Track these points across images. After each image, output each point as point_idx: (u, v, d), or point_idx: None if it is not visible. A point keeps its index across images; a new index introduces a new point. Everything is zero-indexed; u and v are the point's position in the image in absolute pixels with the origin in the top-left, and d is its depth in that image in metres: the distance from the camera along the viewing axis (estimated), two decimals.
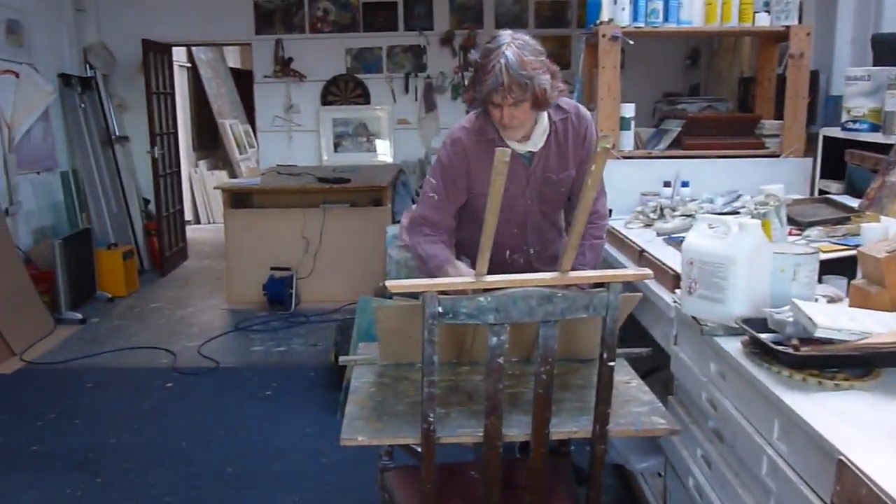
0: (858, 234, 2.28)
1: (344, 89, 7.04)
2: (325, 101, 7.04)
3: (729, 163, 3.34)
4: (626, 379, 2.00)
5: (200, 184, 9.32)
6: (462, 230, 2.40)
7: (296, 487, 2.96)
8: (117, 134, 6.73)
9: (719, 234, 1.85)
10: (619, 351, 2.16)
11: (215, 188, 6.37)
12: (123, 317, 5.37)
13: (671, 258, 2.33)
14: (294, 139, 7.11)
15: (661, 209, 2.92)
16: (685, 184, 3.24)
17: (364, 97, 7.05)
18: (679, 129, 3.34)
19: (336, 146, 7.10)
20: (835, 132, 3.12)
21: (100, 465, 3.16)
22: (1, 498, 2.91)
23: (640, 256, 2.54)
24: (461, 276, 2.06)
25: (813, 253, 1.85)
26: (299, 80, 6.96)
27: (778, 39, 3.47)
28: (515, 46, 2.00)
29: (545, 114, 2.18)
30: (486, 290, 1.55)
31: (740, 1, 3.20)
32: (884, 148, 2.78)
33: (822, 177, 3.21)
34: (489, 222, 1.47)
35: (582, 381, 1.99)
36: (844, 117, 2.97)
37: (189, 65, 9.32)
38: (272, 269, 5.46)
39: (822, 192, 3.18)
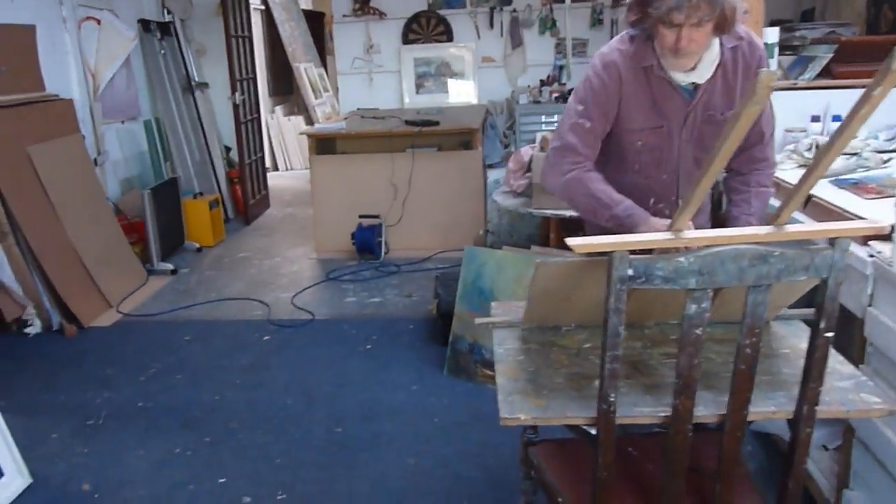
0: None
1: (425, 27, 6.71)
2: (406, 39, 6.75)
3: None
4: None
5: (277, 130, 9.19)
6: (606, 174, 2.12)
7: (411, 450, 2.80)
8: (197, 80, 6.60)
9: None
10: (791, 312, 1.90)
11: (301, 133, 6.21)
12: (213, 267, 5.30)
13: (851, 203, 2.01)
14: (374, 81, 6.86)
15: (818, 147, 2.57)
16: (836, 118, 2.87)
17: (447, 34, 6.72)
18: (829, 55, 2.94)
19: (418, 87, 6.82)
20: None
21: (206, 424, 3.06)
22: (114, 457, 2.84)
23: (808, 203, 2.22)
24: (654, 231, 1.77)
25: None
26: (379, 18, 6.67)
27: None
28: None
29: (716, 40, 1.86)
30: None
31: None
32: None
33: None
34: (715, 165, 1.18)
35: (764, 348, 1.72)
36: None
37: (263, 7, 9.10)
38: (360, 216, 5.28)
39: None
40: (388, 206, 5.36)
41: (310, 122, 8.98)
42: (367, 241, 5.22)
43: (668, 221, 1.79)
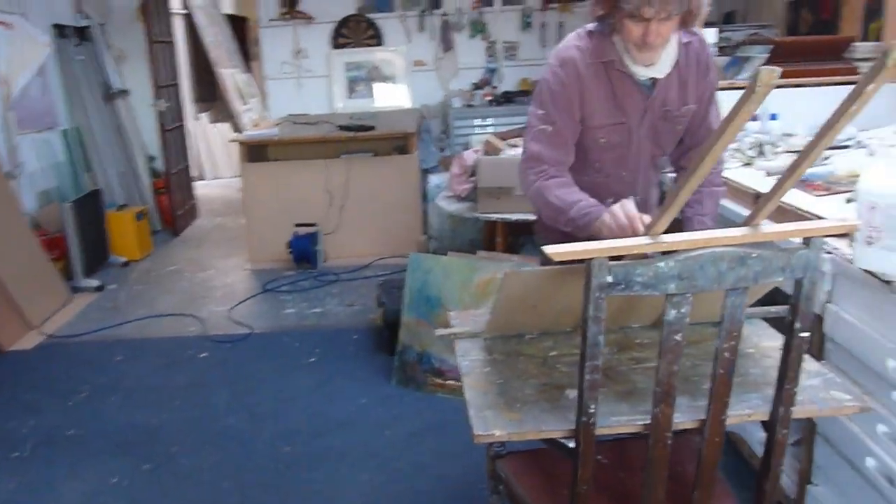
0: None
1: (355, 31, 6.62)
2: (336, 44, 6.63)
3: (818, 92, 3.02)
4: (778, 345, 1.72)
5: (203, 137, 8.91)
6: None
7: (364, 466, 2.71)
8: (118, 87, 6.32)
9: None
10: (752, 310, 1.90)
11: (231, 141, 6.00)
12: (142, 282, 5.07)
13: (803, 201, 2.03)
14: (304, 86, 6.71)
15: (761, 146, 2.61)
16: (773, 116, 2.92)
17: (377, 38, 6.63)
18: (764, 55, 3.00)
19: (350, 92, 6.71)
20: None
21: (144, 449, 2.90)
22: (45, 490, 2.65)
23: (757, 201, 2.24)
24: (626, 230, 1.72)
25: None
26: (307, 23, 6.53)
27: None
28: None
29: (675, 35, 1.85)
30: (665, 253, 1.26)
31: None
32: None
33: None
34: (705, 166, 1.15)
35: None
36: None
37: (184, 11, 8.80)
38: (296, 225, 5.14)
39: None
40: (324, 214, 5.24)
41: (237, 128, 8.73)
42: (304, 249, 5.09)
43: (627, 215, 1.75)
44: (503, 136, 3.34)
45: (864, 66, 3.05)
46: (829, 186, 2.10)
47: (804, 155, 1.10)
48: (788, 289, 1.97)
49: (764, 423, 1.48)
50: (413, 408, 3.11)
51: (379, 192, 5.26)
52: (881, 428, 1.60)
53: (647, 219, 1.75)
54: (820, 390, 1.51)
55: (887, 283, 1.53)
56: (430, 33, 6.62)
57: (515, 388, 1.57)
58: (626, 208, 1.70)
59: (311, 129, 5.48)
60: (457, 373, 3.17)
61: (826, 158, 2.45)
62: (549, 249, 1.23)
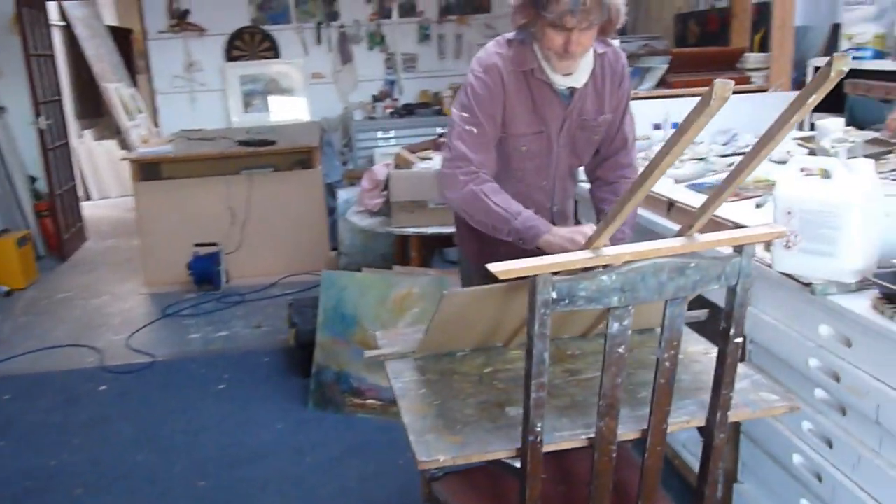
0: None
1: (250, 43, 6.43)
2: (230, 56, 6.42)
3: None
4: (703, 349, 1.76)
5: (88, 155, 8.45)
6: None
7: (286, 496, 2.60)
8: None
9: (817, 178, 1.62)
10: None
11: (122, 159, 5.69)
12: (29, 312, 4.72)
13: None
14: (198, 101, 6.46)
15: None
16: (675, 125, 3.01)
17: (273, 51, 6.47)
18: (664, 66, 3.10)
19: (246, 106, 6.52)
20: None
21: (44, 495, 2.68)
22: None
23: (671, 208, 2.30)
24: (566, 246, 1.72)
25: None
26: (199, 35, 6.30)
27: None
28: None
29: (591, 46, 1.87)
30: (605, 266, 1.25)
31: None
32: (889, 75, 2.65)
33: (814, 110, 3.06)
34: (653, 179, 1.14)
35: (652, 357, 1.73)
36: (846, 45, 2.81)
37: (63, 23, 8.33)
38: (196, 245, 4.93)
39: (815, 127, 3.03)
40: (225, 232, 5.05)
41: (125, 146, 8.33)
42: (205, 270, 4.88)
43: (569, 229, 1.76)
44: (413, 149, 3.31)
45: (756, 76, 3.21)
46: (737, 192, 2.17)
47: (743, 165, 1.12)
48: (714, 296, 2.04)
49: (700, 428, 1.50)
50: (333, 431, 3.02)
51: (282, 208, 5.12)
52: (806, 425, 1.66)
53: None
54: (749, 392, 1.55)
55: (806, 285, 1.58)
56: (327, 45, 6.52)
57: (454, 409, 1.53)
58: (584, 234, 1.71)
59: (208, 145, 5.27)
60: (377, 392, 3.13)
61: (730, 165, 2.54)
62: (494, 268, 1.20)
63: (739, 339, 1.38)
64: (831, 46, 3.62)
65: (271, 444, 2.95)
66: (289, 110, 6.53)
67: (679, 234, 1.34)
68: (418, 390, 1.63)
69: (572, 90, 1.92)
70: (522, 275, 1.20)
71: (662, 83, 3.13)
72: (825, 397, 1.61)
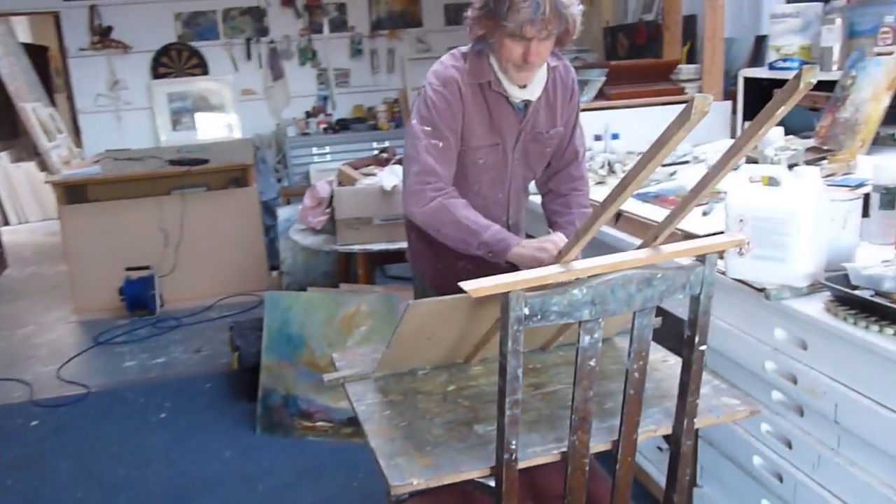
0: (849, 174, 2.21)
1: (177, 60, 6.27)
2: (157, 74, 6.25)
3: (651, 111, 3.23)
4: (661, 357, 1.79)
5: (5, 178, 8.07)
6: None
7: None
8: None
9: (765, 186, 1.67)
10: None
11: (46, 182, 5.45)
12: None
13: (662, 216, 2.13)
14: (124, 120, 6.26)
15: (610, 164, 2.73)
16: (615, 136, 3.08)
17: (201, 67, 6.33)
18: (601, 79, 3.16)
19: (174, 124, 6.35)
20: (757, 73, 3.07)
21: None
22: None
23: (619, 218, 2.33)
24: (538, 256, 1.72)
25: (858, 198, 1.72)
26: (123, 52, 6.11)
27: None
28: None
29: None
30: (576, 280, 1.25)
31: None
32: (816, 85, 2.75)
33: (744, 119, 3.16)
34: (627, 192, 1.15)
35: (617, 365, 1.75)
36: (773, 56, 2.92)
37: None
38: (127, 269, 4.75)
39: None
40: (158, 255, 4.89)
41: (44, 167, 7.98)
42: (138, 295, 4.71)
43: (539, 240, 1.76)
44: (355, 165, 3.27)
45: (689, 87, 3.30)
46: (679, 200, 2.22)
47: (710, 177, 1.14)
48: (667, 304, 2.08)
49: (666, 436, 1.52)
50: (284, 456, 2.94)
51: (217, 229, 4.99)
52: (765, 427, 1.69)
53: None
54: (711, 398, 1.57)
55: (760, 290, 1.62)
56: (258, 61, 6.41)
57: (422, 430, 1.51)
58: (556, 244, 1.70)
59: (137, 166, 5.11)
60: (327, 414, 3.07)
61: (673, 174, 2.60)
62: (467, 286, 1.18)
63: (704, 347, 1.40)
64: (756, 57, 3.77)
65: (220, 472, 2.85)
66: (219, 128, 6.39)
67: (643, 245, 1.35)
68: (382, 412, 1.60)
69: (527, 103, 1.93)
70: (495, 292, 1.19)
71: (601, 95, 3.19)
72: (782, 399, 1.65)
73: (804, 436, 1.58)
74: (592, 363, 1.30)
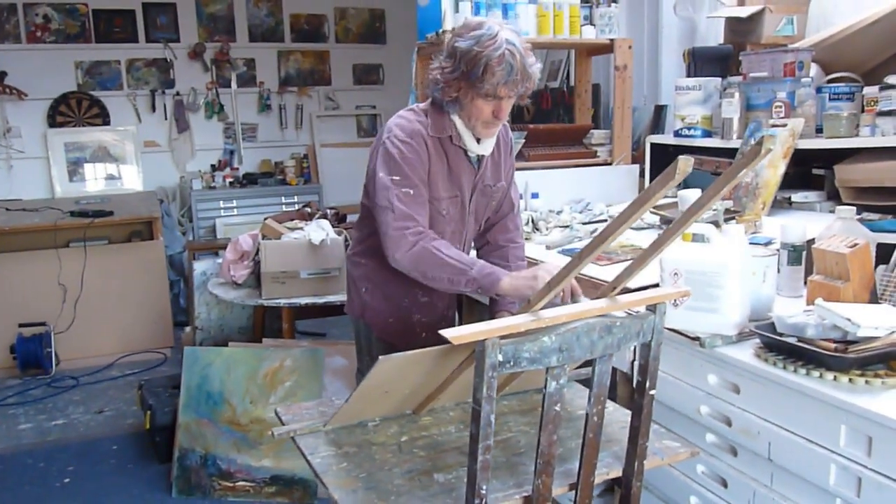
0: (756, 233, 2.41)
1: (77, 109, 6.07)
2: (55, 122, 6.01)
3: (565, 173, 3.40)
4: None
5: None
6: None
7: None
8: None
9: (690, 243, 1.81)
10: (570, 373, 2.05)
11: None
12: None
13: (595, 271, 2.26)
14: (15, 169, 5.96)
15: (534, 222, 2.86)
16: (535, 195, 3.22)
17: (103, 117, 6.14)
18: (521, 140, 3.32)
19: (72, 175, 6.09)
20: (663, 139, 3.32)
21: None
22: None
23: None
24: (532, 285, 1.80)
25: (774, 254, 1.89)
26: (18, 98, 5.85)
27: (598, 52, 3.63)
28: (509, 31, 1.82)
29: None
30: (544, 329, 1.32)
31: (570, 14, 3.27)
32: (716, 152, 3.00)
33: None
34: (605, 244, 1.23)
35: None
36: (678, 125, 3.17)
37: None
38: (21, 325, 4.48)
39: None
40: (55, 310, 4.63)
41: None
42: (32, 353, 4.44)
43: (530, 270, 1.85)
44: (279, 219, 3.26)
45: (600, 150, 3.51)
46: (610, 257, 2.36)
47: (670, 232, 1.24)
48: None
49: (614, 479, 1.59)
50: None
51: (120, 283, 4.79)
52: (700, 468, 1.80)
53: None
54: (654, 441, 1.66)
55: (694, 339, 1.74)
56: (162, 113, 6.29)
57: (383, 481, 1.52)
58: (549, 272, 1.77)
59: (34, 217, 4.86)
60: (248, 473, 2.99)
61: (593, 231, 2.75)
62: (449, 333, 1.23)
63: (654, 392, 1.50)
64: (657, 125, 4.05)
65: None
66: (120, 179, 6.19)
67: (600, 296, 1.45)
68: (339, 464, 1.60)
69: (480, 157, 2.03)
70: (474, 339, 1.24)
71: (520, 156, 3.34)
72: (716, 441, 1.76)
73: (738, 475, 1.69)
74: (558, 408, 1.36)
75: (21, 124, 5.92)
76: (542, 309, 1.36)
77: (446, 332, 1.24)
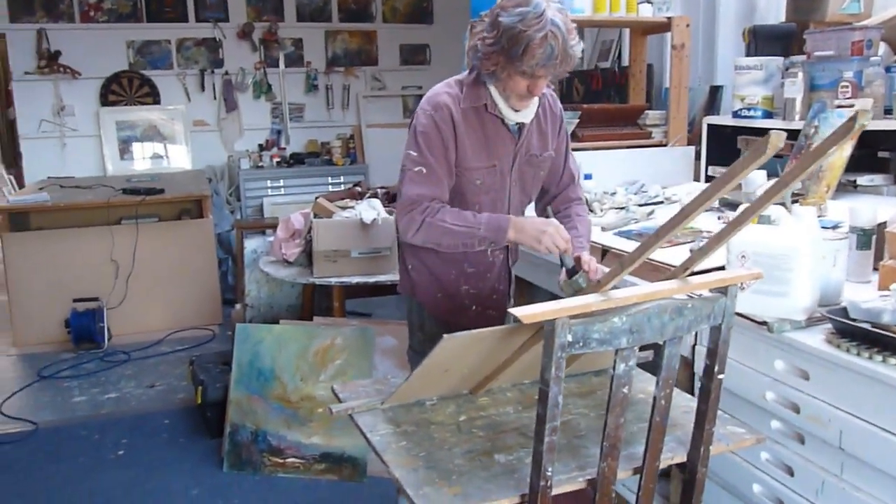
0: (822, 216, 2.33)
1: (128, 88, 6.15)
2: (107, 101, 6.10)
3: (619, 153, 3.34)
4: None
5: None
6: None
7: None
8: None
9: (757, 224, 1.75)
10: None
11: None
12: None
13: (659, 255, 2.20)
14: (69, 147, 6.07)
15: (588, 203, 2.81)
16: (588, 176, 3.17)
17: (153, 96, 6.22)
18: (575, 120, 3.26)
19: (122, 153, 6.19)
20: (721, 120, 3.23)
21: None
22: None
23: (605, 255, 2.40)
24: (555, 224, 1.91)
25: (845, 237, 1.83)
26: (72, 78, 5.95)
27: (654, 31, 3.55)
28: (556, 10, 1.78)
29: None
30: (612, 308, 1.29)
31: None
32: None
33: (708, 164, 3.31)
34: (689, 219, 1.19)
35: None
36: (738, 105, 3.08)
37: None
38: (75, 300, 4.58)
39: (711, 178, 3.28)
40: (107, 286, 4.72)
41: None
42: (85, 327, 4.53)
43: (538, 229, 1.90)
44: (331, 198, 3.27)
45: (655, 131, 3.43)
46: (670, 239, 2.30)
47: (750, 211, 1.20)
48: None
49: (679, 464, 1.56)
50: (254, 494, 2.86)
51: (170, 260, 4.86)
52: (764, 455, 1.76)
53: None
54: (718, 427, 1.62)
55: (761, 323, 1.69)
56: (211, 92, 6.34)
57: (443, 460, 1.51)
58: (561, 233, 1.88)
59: (87, 194, 4.95)
60: (298, 450, 3.01)
61: (650, 213, 2.70)
62: (519, 312, 1.20)
63: (722, 375, 1.46)
64: (711, 105, 3.96)
65: None
66: (169, 158, 6.27)
67: (670, 276, 1.41)
68: (398, 442, 1.59)
69: (521, 126, 2.00)
70: (543, 318, 1.22)
71: (572, 136, 3.28)
72: (781, 428, 1.72)
73: (806, 463, 1.65)
74: (626, 390, 1.34)
75: (74, 103, 6.02)
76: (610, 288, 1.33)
77: (515, 311, 1.22)
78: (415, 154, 1.96)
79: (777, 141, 0.98)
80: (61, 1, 5.89)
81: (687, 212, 1.17)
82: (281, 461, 3.02)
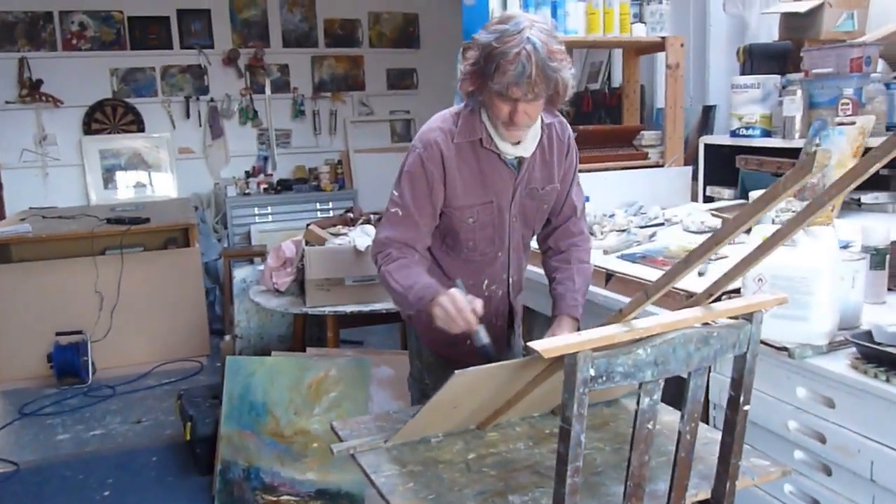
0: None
1: (112, 116, 6.06)
2: (90, 129, 6.01)
3: (616, 175, 3.29)
4: (676, 419, 1.76)
5: None
6: (442, 256, 2.03)
7: None
8: None
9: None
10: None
11: None
12: None
13: (656, 276, 2.14)
14: (51, 176, 5.97)
15: (590, 226, 2.74)
16: (586, 199, 3.10)
17: (137, 124, 6.13)
18: None
19: (106, 182, 6.09)
20: (719, 140, 3.19)
21: None
22: None
23: (609, 280, 2.33)
24: (457, 321, 1.75)
25: (863, 258, 1.77)
26: (54, 106, 5.86)
27: (647, 51, 3.51)
28: (539, 31, 1.69)
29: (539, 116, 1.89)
30: (638, 340, 1.21)
31: (620, 11, 3.16)
32: (777, 152, 2.88)
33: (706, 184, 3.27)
34: (721, 243, 1.12)
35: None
36: (735, 124, 3.04)
37: None
38: (58, 333, 4.45)
39: (709, 198, 3.24)
40: (92, 319, 4.60)
41: None
42: (69, 362, 4.40)
43: (453, 298, 1.75)
44: (322, 225, 3.19)
45: (651, 151, 3.39)
46: (667, 261, 2.24)
47: (781, 235, 1.13)
48: None
49: (703, 502, 1.48)
50: None
51: (156, 291, 4.75)
52: (788, 487, 1.68)
53: (478, 306, 1.78)
54: (741, 460, 1.54)
55: (781, 349, 1.62)
56: (197, 120, 6.27)
57: (454, 503, 1.42)
58: (453, 300, 1.74)
59: (70, 224, 4.84)
60: (291, 487, 2.90)
61: (652, 235, 2.63)
62: (539, 346, 1.13)
63: (748, 407, 1.38)
64: (704, 125, 3.93)
65: None
66: (155, 186, 6.17)
67: (693, 304, 1.34)
68: (405, 484, 1.50)
69: (520, 159, 1.92)
70: (565, 352, 1.14)
71: None
72: (805, 459, 1.64)
73: (834, 496, 1.57)
74: (650, 426, 1.26)
75: (57, 132, 5.93)
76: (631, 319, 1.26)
77: (535, 344, 1.14)
78: (396, 195, 1.93)
79: (824, 159, 0.92)
80: (43, 29, 5.81)
81: (722, 235, 1.10)
82: (275, 499, 2.90)
